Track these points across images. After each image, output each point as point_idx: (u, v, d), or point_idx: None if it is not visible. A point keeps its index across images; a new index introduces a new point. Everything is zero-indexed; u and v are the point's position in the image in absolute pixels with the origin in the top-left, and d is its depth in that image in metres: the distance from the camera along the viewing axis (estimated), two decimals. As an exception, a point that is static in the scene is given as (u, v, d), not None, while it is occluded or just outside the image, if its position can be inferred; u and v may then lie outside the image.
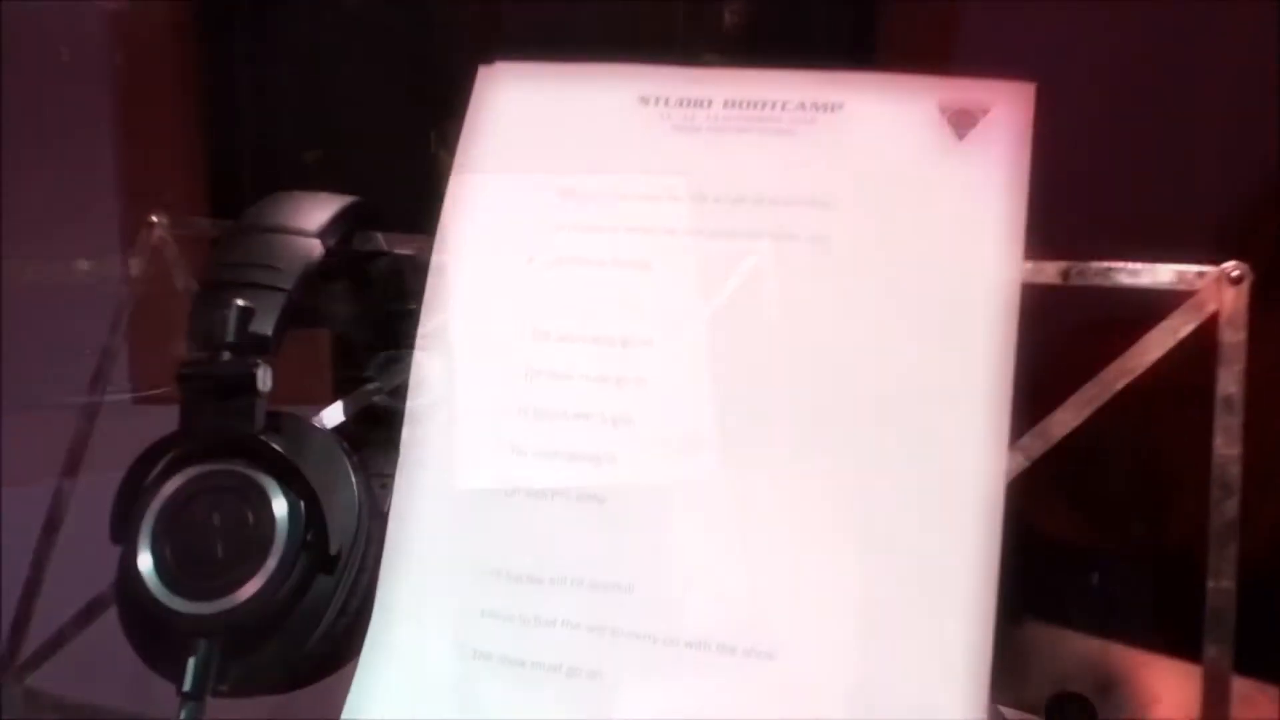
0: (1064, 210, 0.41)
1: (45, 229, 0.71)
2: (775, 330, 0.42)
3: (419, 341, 0.45)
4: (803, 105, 0.46)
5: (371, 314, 0.51)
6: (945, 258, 0.41)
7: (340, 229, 0.46)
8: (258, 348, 0.42)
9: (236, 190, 0.90)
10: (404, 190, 0.53)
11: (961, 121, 0.44)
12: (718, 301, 0.43)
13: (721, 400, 0.42)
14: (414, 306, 0.46)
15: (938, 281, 0.41)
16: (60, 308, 0.60)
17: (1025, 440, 0.39)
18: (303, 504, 0.41)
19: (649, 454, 0.42)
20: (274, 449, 0.41)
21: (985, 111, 0.44)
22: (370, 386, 0.48)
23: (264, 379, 0.41)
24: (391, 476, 0.44)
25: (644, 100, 0.47)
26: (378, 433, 0.47)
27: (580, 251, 0.45)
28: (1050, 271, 0.41)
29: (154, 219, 0.51)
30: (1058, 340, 0.43)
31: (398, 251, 0.48)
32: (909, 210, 0.43)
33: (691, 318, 0.43)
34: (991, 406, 0.39)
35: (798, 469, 0.40)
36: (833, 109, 0.45)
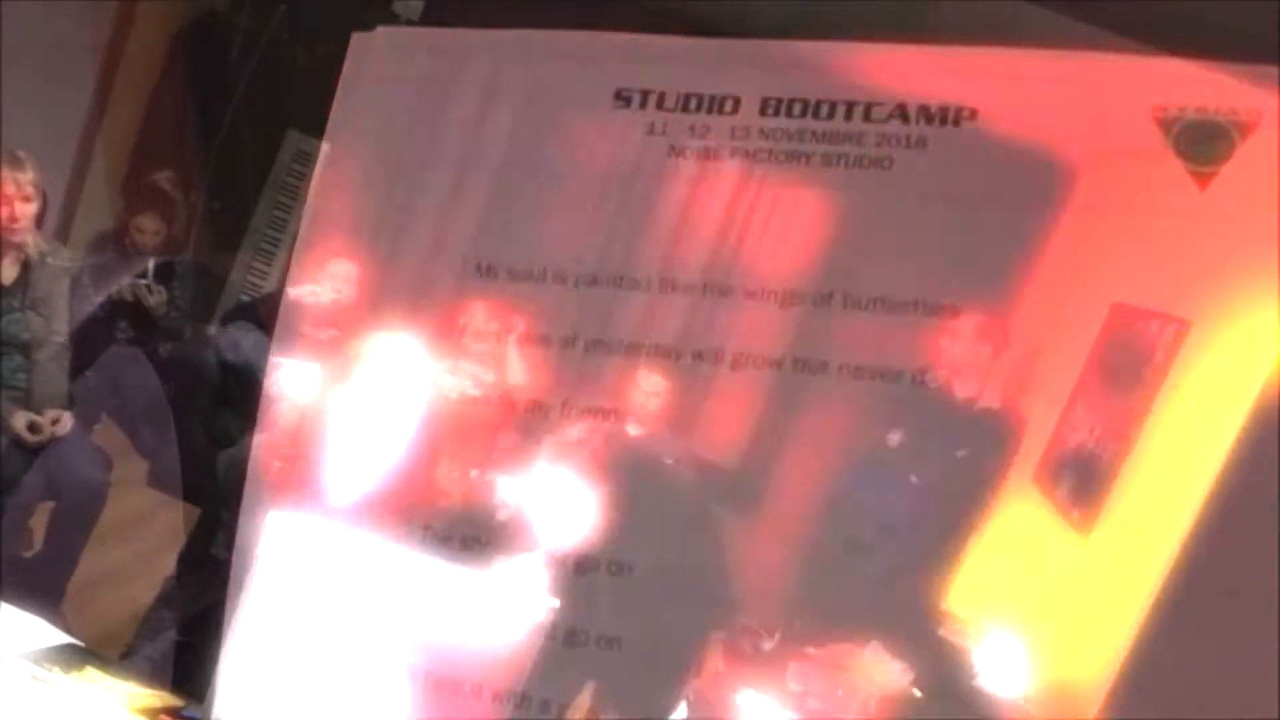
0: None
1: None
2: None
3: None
4: (903, 113, 0.25)
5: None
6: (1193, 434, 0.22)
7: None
8: None
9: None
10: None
11: (1203, 148, 0.24)
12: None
13: None
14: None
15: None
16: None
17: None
18: None
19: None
20: None
21: (1248, 126, 0.24)
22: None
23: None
24: None
25: (622, 98, 0.27)
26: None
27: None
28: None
29: None
30: None
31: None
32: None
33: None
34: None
35: None
36: (956, 120, 0.25)
